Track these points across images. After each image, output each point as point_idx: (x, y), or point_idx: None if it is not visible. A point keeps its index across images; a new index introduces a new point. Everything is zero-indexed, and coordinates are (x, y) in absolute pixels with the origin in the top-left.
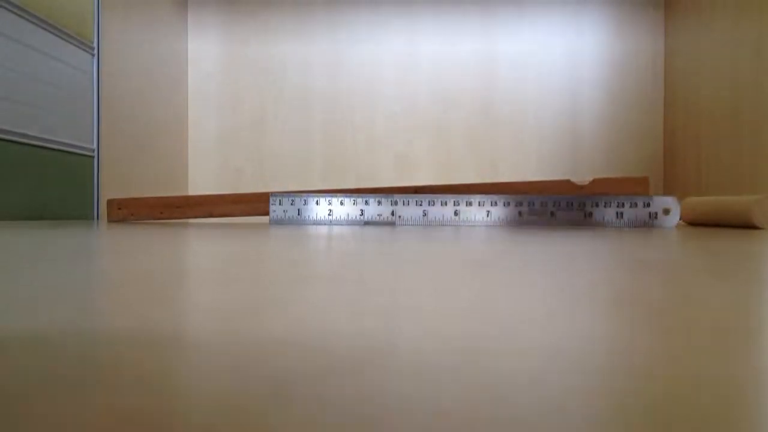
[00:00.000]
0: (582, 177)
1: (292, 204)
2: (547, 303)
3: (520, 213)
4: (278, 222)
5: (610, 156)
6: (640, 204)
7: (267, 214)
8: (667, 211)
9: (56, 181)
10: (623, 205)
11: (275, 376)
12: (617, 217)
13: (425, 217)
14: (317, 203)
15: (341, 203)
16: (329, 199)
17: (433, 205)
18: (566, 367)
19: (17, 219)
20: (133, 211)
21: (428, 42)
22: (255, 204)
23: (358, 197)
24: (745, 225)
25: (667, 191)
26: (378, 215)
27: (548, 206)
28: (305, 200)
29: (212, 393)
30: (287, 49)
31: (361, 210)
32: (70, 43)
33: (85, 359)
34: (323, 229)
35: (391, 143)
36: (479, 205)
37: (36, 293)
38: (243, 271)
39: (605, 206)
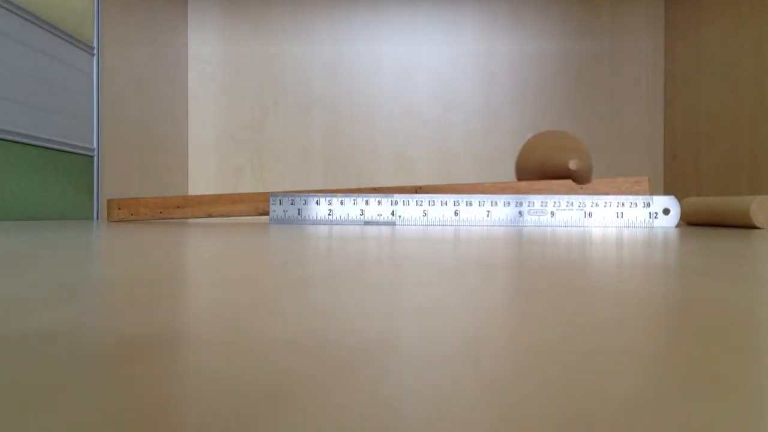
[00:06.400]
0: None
1: (292, 204)
2: (548, 303)
3: (520, 213)
4: (278, 222)
5: (611, 156)
6: (640, 204)
7: (267, 213)
8: (667, 211)
9: (56, 181)
10: (623, 205)
11: (274, 376)
12: (617, 217)
13: (425, 216)
14: (317, 203)
15: (341, 203)
16: (329, 198)
17: (433, 205)
18: (567, 367)
19: (17, 219)
20: (133, 211)
21: (428, 42)
22: (255, 204)
23: (358, 197)
24: (745, 225)
25: (667, 191)
26: (378, 215)
27: (548, 206)
28: (305, 200)
29: (212, 393)
30: (287, 49)
31: (361, 210)
32: (70, 43)
33: (84, 359)
34: (323, 229)
35: (391, 143)
36: (479, 205)
37: (37, 293)
38: (243, 270)
39: (605, 206)
